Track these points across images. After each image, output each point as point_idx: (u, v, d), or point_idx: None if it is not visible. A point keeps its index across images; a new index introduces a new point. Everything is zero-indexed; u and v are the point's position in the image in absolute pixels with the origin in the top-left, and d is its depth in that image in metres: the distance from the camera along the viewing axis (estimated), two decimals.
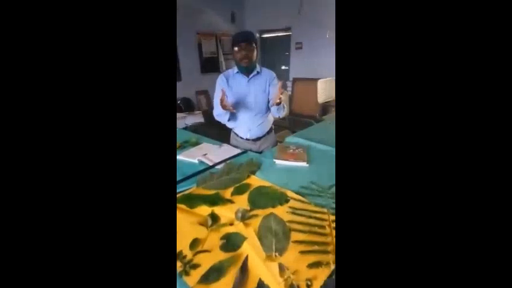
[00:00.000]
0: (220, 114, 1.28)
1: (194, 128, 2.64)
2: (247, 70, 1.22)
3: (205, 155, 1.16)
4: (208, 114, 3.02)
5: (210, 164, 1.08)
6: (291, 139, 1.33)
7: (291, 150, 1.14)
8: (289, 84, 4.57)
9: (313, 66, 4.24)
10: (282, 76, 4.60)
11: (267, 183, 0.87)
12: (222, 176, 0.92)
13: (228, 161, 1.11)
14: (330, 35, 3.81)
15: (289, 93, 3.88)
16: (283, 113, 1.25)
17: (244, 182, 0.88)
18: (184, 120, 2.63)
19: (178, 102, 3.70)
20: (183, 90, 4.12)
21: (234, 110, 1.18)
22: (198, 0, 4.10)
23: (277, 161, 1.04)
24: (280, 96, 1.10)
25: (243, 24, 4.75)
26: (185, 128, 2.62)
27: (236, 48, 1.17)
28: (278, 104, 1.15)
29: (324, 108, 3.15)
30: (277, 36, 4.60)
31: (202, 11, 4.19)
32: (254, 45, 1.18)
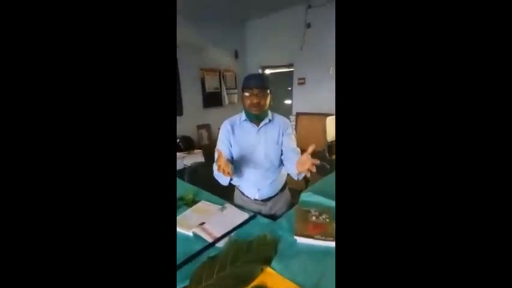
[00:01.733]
0: (218, 175, 1.03)
1: (193, 170, 2.41)
2: (257, 118, 1.03)
3: (202, 224, 0.90)
4: (209, 149, 2.81)
5: (209, 240, 0.82)
6: (308, 197, 1.09)
7: (314, 218, 0.88)
8: (292, 118, 4.48)
9: (316, 102, 4.17)
10: (285, 110, 4.52)
11: (291, 285, 0.60)
12: (224, 269, 0.66)
13: (232, 235, 0.85)
14: (333, 71, 3.79)
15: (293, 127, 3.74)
16: (302, 175, 1.02)
17: (258, 283, 0.62)
18: (182, 160, 2.41)
19: (177, 140, 3.52)
20: (185, 124, 3.99)
21: (231, 175, 0.92)
22: (201, 39, 4.19)
23: (300, 239, 0.78)
24: (310, 168, 0.81)
25: (246, 61, 4.83)
26: (184, 170, 2.39)
27: (246, 94, 0.98)
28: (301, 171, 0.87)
29: (331, 147, 2.94)
30: (279, 72, 4.62)
31: (205, 49, 4.26)
32: (268, 92, 0.99)
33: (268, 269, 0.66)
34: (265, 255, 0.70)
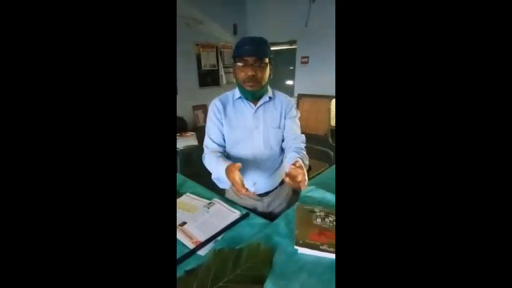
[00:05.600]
0: (218, 179, 0.81)
1: (186, 154, 2.24)
2: (253, 96, 0.82)
3: (183, 224, 0.74)
4: (205, 131, 2.63)
5: (190, 245, 0.67)
6: (311, 192, 0.92)
7: (319, 221, 0.72)
8: (293, 100, 4.25)
9: (320, 83, 3.92)
10: (287, 91, 4.29)
11: None
12: None
13: (218, 238, 0.69)
14: None
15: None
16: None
17: None
18: None
19: None
20: (179, 105, 3.76)
21: (253, 195, 0.72)
22: (198, 11, 3.83)
23: (302, 250, 0.62)
24: (299, 175, 0.64)
25: (245, 36, 4.49)
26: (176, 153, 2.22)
27: (239, 64, 0.76)
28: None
29: (334, 131, 2.75)
30: (281, 49, 4.31)
31: (201, 22, 3.92)
32: (267, 61, 0.77)
33: None
34: (257, 273, 0.55)
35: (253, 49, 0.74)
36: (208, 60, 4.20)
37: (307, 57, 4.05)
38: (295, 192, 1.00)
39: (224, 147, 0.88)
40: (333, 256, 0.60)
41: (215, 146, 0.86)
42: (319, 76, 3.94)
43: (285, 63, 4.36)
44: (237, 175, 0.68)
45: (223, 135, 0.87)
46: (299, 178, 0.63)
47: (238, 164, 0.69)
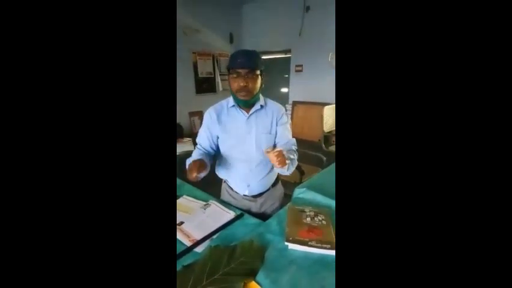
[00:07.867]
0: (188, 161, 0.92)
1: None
2: (246, 104, 0.88)
3: (180, 224, 0.79)
4: None
5: (187, 243, 0.71)
6: (303, 193, 0.97)
7: (309, 219, 0.77)
8: (288, 107, 4.33)
9: (314, 90, 4.02)
10: (282, 99, 4.38)
11: None
12: (200, 283, 0.55)
13: (214, 237, 0.74)
14: (332, 58, 3.63)
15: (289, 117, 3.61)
16: (292, 168, 0.88)
17: None
18: None
19: None
20: (176, 111, 3.81)
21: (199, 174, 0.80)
22: (194, 20, 3.93)
23: (292, 246, 0.67)
24: (278, 160, 0.75)
25: (241, 45, 4.59)
26: None
27: (233, 75, 0.83)
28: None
29: (328, 137, 2.82)
30: (276, 58, 4.42)
31: (198, 31, 4.01)
32: (259, 72, 0.84)
33: (253, 285, 0.55)
34: (250, 266, 0.59)
35: (245, 62, 0.81)
36: (205, 67, 4.28)
37: (302, 65, 4.16)
38: (288, 190, 1.06)
39: (210, 152, 0.94)
40: (320, 251, 0.65)
41: (202, 151, 0.94)
42: (313, 84, 4.04)
43: (280, 72, 4.46)
44: (194, 172, 0.77)
45: (210, 143, 0.94)
46: (274, 156, 0.74)
47: (201, 164, 0.80)
